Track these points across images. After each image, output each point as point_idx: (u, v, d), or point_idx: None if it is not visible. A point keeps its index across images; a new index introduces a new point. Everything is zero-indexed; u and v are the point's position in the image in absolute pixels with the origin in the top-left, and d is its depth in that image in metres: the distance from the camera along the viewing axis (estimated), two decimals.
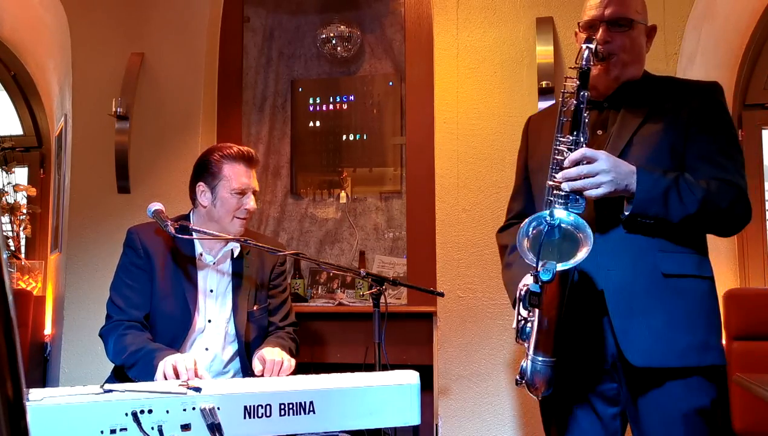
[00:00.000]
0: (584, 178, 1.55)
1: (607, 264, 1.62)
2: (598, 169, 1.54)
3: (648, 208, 1.55)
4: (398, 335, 2.67)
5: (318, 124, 3.37)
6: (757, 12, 2.94)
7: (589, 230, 1.51)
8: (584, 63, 1.60)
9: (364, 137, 3.33)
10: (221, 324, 2.11)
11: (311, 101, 3.38)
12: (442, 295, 2.13)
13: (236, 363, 2.13)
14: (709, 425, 1.59)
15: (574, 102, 1.60)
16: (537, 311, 1.55)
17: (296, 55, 3.42)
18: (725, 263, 2.90)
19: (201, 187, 2.10)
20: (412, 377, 1.49)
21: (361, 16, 3.36)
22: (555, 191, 1.59)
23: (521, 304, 1.59)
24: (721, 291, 2.65)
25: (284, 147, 3.40)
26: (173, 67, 3.14)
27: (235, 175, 2.07)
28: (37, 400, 1.27)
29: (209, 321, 2.09)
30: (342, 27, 3.28)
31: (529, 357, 1.58)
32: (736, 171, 1.63)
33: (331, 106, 3.37)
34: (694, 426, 1.57)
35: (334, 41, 3.29)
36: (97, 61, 3.18)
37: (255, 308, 2.16)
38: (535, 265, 1.47)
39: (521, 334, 1.61)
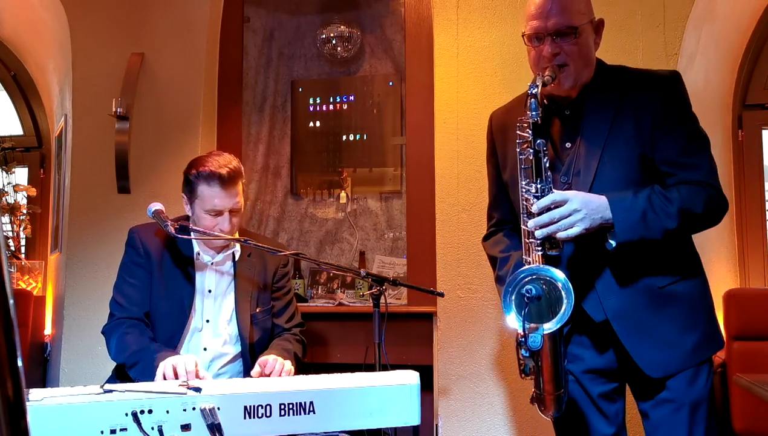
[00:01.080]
0: (557, 221, 1.55)
1: (604, 292, 1.64)
2: (570, 211, 1.55)
3: (631, 235, 1.57)
4: (398, 335, 2.67)
5: (318, 124, 3.37)
6: (757, 12, 2.94)
7: (568, 285, 1.50)
8: (533, 114, 1.57)
9: (364, 137, 3.33)
10: (221, 325, 2.10)
11: (311, 101, 3.38)
12: (442, 295, 2.14)
13: (238, 364, 2.13)
14: (712, 408, 1.66)
15: (532, 151, 1.59)
16: (539, 354, 1.60)
17: (296, 55, 3.42)
18: (725, 263, 2.90)
19: (184, 198, 2.11)
20: (412, 377, 1.49)
21: (361, 16, 3.36)
22: (530, 238, 1.60)
23: (517, 346, 1.60)
24: (721, 291, 2.65)
25: (284, 147, 3.40)
26: (173, 67, 3.14)
27: (208, 196, 2.00)
28: (37, 400, 1.27)
29: (207, 321, 2.09)
30: (342, 27, 3.28)
31: (536, 392, 1.65)
32: (705, 165, 1.63)
33: (331, 107, 3.37)
34: (701, 412, 1.63)
35: (334, 41, 3.29)
36: (97, 61, 3.18)
37: (258, 310, 2.15)
38: (522, 332, 1.50)
39: (524, 371, 1.64)
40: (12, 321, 0.48)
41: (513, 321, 1.54)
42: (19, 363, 0.49)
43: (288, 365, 1.97)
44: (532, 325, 1.51)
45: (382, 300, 1.91)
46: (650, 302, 1.62)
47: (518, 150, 1.63)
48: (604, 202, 1.57)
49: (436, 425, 2.75)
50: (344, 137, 3.35)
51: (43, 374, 3.51)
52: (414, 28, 3.10)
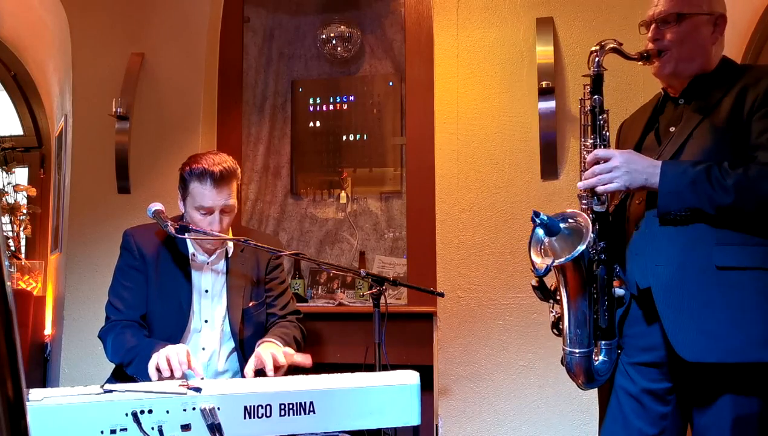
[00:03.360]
0: (598, 176, 1.62)
1: (656, 259, 1.61)
2: (610, 167, 1.60)
3: (675, 200, 1.55)
4: (398, 335, 2.67)
5: (318, 124, 3.37)
6: (757, 12, 2.94)
7: (583, 228, 1.58)
8: (595, 68, 1.66)
9: (364, 137, 3.33)
10: (217, 323, 2.11)
11: (311, 101, 3.38)
12: (442, 295, 2.14)
13: (234, 362, 2.14)
14: (764, 425, 1.54)
15: (590, 106, 1.67)
16: (565, 307, 1.63)
17: (296, 55, 3.42)
18: None
19: (179, 195, 2.11)
20: (412, 377, 1.49)
21: (361, 16, 3.36)
22: (580, 192, 1.68)
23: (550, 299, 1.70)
24: None
25: (284, 147, 3.40)
26: (173, 67, 3.14)
27: (199, 194, 1.99)
28: (37, 400, 1.27)
29: (206, 321, 2.10)
30: (342, 27, 3.28)
31: (566, 350, 1.65)
32: None
33: (331, 107, 3.37)
34: (748, 426, 1.53)
35: (334, 41, 3.29)
36: (97, 61, 3.18)
37: (251, 304, 2.16)
38: (530, 261, 1.61)
39: (555, 326, 1.70)
40: (12, 321, 0.48)
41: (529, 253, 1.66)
42: (20, 363, 0.49)
43: (282, 350, 1.95)
44: (538, 260, 1.60)
45: (382, 300, 1.91)
46: (701, 281, 1.54)
47: (580, 107, 1.71)
48: (655, 165, 1.58)
49: (436, 425, 2.75)
50: (344, 137, 3.35)
51: (43, 374, 3.51)
52: (414, 28, 3.10)
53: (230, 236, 2.15)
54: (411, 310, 2.87)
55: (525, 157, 2.75)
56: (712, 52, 1.71)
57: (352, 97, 3.35)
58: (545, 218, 1.59)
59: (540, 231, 1.62)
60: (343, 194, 3.30)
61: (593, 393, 2.59)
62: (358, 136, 3.34)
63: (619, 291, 1.66)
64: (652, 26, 1.71)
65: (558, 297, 1.66)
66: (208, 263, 2.13)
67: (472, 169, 2.79)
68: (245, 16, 3.42)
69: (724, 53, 1.76)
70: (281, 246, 2.33)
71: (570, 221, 1.64)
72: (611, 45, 1.67)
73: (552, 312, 1.72)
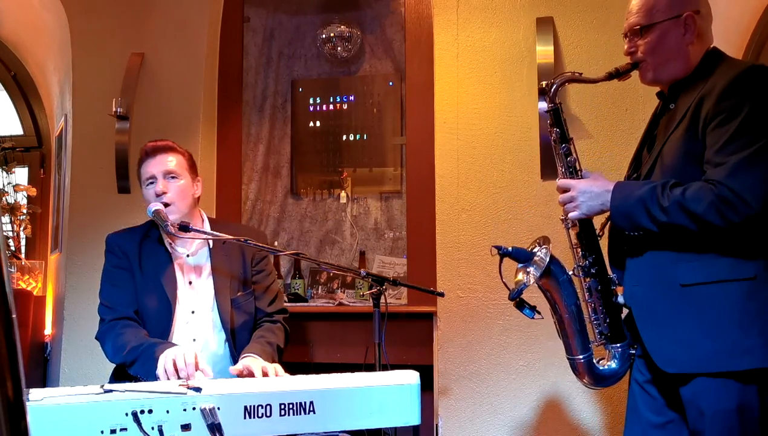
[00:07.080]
0: (565, 204, 1.73)
1: (633, 280, 1.70)
2: (569, 197, 1.71)
3: (624, 220, 1.63)
4: (398, 335, 2.67)
5: (318, 124, 3.37)
6: (757, 12, 2.94)
7: (540, 255, 1.70)
8: (549, 104, 1.76)
9: (364, 137, 3.33)
10: (206, 314, 2.13)
11: (311, 101, 3.38)
12: (442, 295, 2.14)
13: (226, 351, 2.14)
14: (744, 430, 1.53)
15: (553, 138, 1.78)
16: (558, 320, 1.74)
17: (296, 55, 3.42)
18: None
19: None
20: (412, 377, 1.49)
21: (361, 16, 3.36)
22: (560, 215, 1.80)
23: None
24: None
25: (284, 147, 3.40)
26: (173, 67, 3.14)
27: (143, 172, 2.16)
28: (37, 400, 1.27)
29: (192, 312, 2.12)
30: (342, 27, 3.28)
31: (568, 357, 1.75)
32: (731, 165, 1.49)
33: (331, 106, 3.37)
34: (727, 430, 1.53)
35: (334, 41, 3.28)
36: (97, 61, 3.18)
37: (239, 294, 2.17)
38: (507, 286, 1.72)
39: (559, 335, 1.79)
40: (12, 321, 0.48)
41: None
42: (20, 363, 0.49)
43: (272, 370, 1.90)
44: (512, 284, 1.72)
45: (382, 300, 1.91)
46: (669, 298, 1.60)
47: (550, 135, 1.81)
48: (608, 189, 1.65)
49: (436, 425, 2.75)
50: (344, 137, 3.35)
51: (43, 374, 3.51)
52: (414, 28, 3.10)
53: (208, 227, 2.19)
54: (411, 310, 2.87)
55: (525, 157, 2.75)
56: (689, 52, 1.70)
57: (352, 97, 3.35)
58: (508, 249, 1.69)
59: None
60: (343, 194, 3.30)
61: (593, 393, 2.59)
62: (358, 136, 3.34)
63: (621, 299, 1.73)
64: (627, 39, 1.76)
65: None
66: (188, 255, 2.15)
67: (472, 169, 2.79)
68: (245, 16, 3.42)
69: (724, 52, 1.75)
70: (266, 238, 2.35)
71: (537, 252, 1.73)
72: (565, 78, 1.77)
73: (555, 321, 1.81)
